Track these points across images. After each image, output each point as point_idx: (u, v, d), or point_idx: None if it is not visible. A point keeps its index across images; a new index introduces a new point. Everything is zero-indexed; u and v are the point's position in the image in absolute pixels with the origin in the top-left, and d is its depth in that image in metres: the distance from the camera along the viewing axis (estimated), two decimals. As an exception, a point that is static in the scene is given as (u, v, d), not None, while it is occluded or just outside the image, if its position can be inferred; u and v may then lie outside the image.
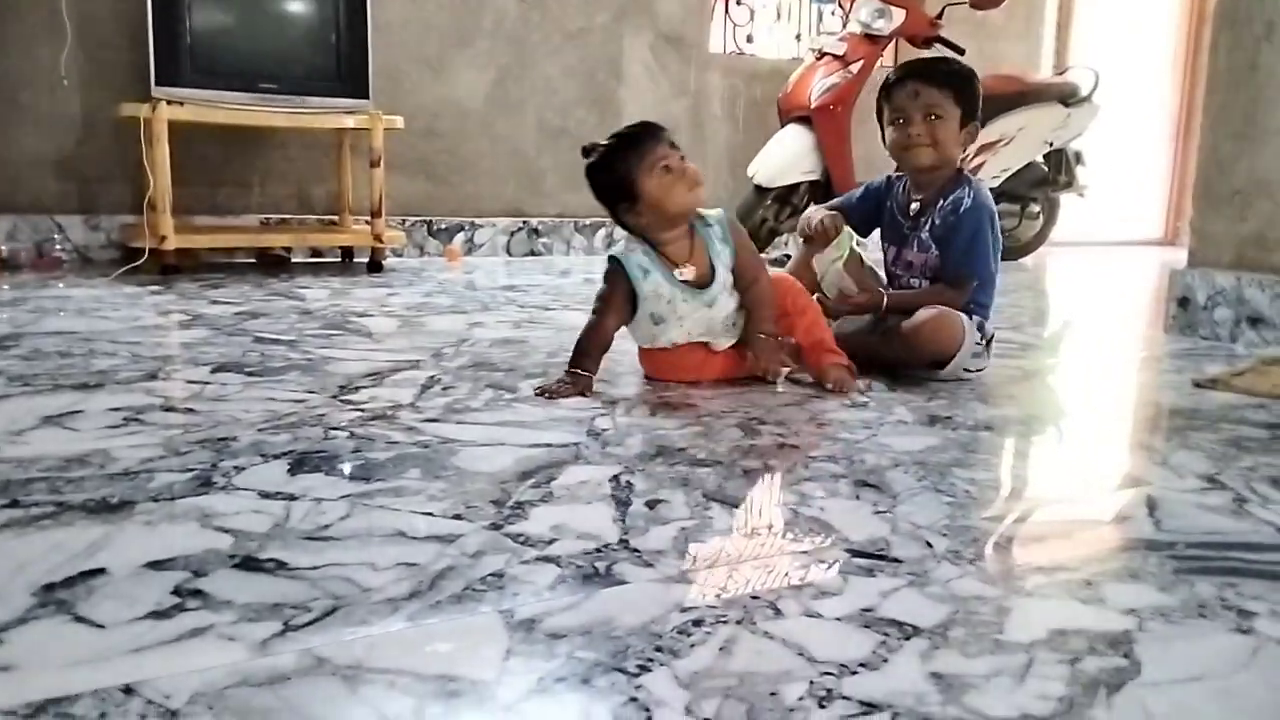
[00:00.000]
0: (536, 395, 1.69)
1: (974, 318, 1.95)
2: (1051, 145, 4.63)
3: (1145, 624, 0.88)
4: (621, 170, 1.74)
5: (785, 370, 1.86)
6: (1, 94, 3.43)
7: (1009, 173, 4.56)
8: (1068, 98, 4.58)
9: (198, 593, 0.88)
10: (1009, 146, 4.48)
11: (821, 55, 4.18)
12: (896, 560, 1.01)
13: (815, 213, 2.09)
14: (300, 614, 0.84)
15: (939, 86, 1.92)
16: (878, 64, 4.13)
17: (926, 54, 3.92)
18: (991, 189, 4.59)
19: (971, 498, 1.22)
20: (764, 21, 5.14)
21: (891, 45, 4.31)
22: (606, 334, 1.80)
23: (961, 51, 4.18)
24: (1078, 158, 4.79)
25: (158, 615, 0.83)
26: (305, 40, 3.53)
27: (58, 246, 3.52)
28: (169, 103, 3.18)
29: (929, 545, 1.05)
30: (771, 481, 1.28)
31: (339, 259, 3.96)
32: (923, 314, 1.89)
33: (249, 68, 3.38)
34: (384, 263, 3.72)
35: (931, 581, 0.95)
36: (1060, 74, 5.23)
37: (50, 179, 3.55)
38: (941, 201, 1.96)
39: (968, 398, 1.80)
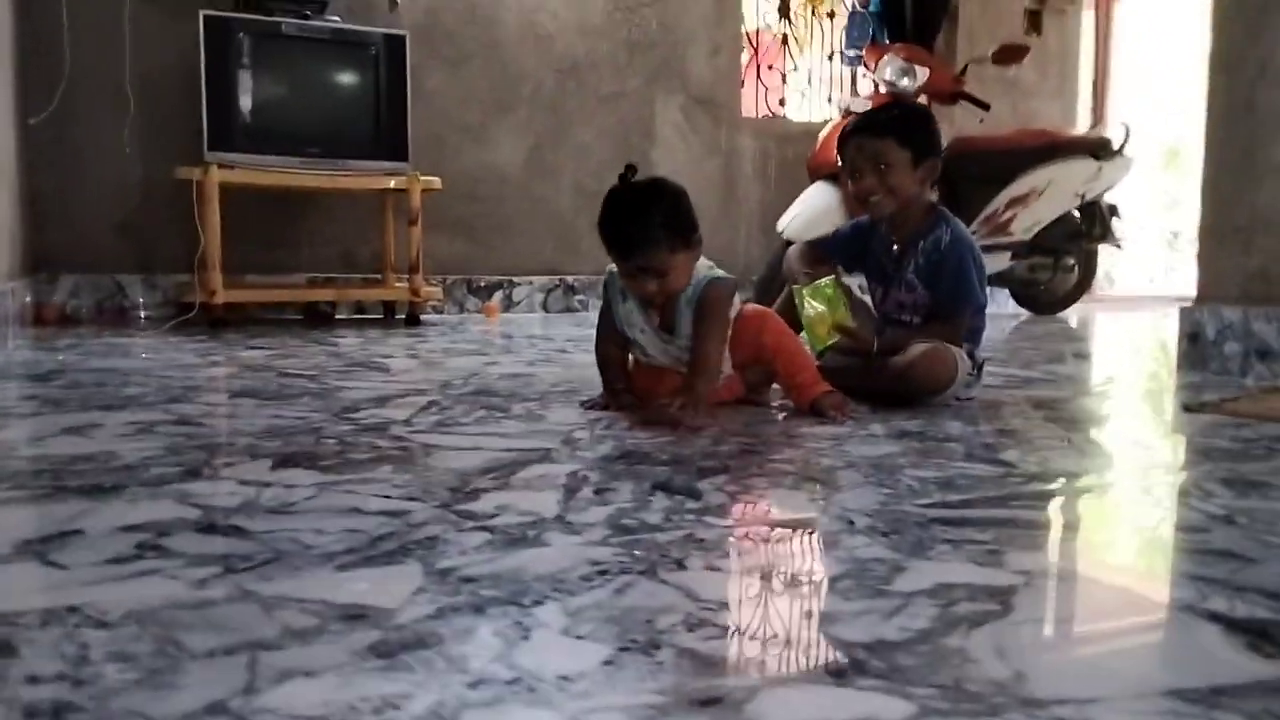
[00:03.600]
0: (585, 408, 1.85)
1: (964, 345, 2.00)
2: (1084, 198, 4.66)
3: (1032, 581, 0.92)
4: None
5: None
6: (69, 163, 3.69)
7: (1040, 225, 4.59)
8: (1098, 151, 4.62)
9: (157, 548, 0.97)
10: (1039, 200, 4.52)
11: (848, 114, 4.28)
12: (812, 531, 1.06)
13: (796, 261, 2.16)
14: (242, 562, 0.93)
15: (879, 136, 1.98)
16: (903, 121, 4.21)
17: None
18: (1024, 242, 4.61)
19: (912, 490, 1.27)
20: (796, 85, 5.28)
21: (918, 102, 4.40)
22: (616, 349, 1.92)
23: (987, 107, 4.27)
24: (1112, 210, 4.81)
25: (117, 561, 0.93)
26: (349, 109, 3.76)
27: (118, 303, 3.74)
28: (220, 166, 3.40)
29: (850, 523, 1.10)
30: (723, 477, 1.34)
31: (381, 315, 4.12)
32: (915, 351, 1.93)
33: (296, 134, 3.60)
34: (422, 317, 3.87)
35: (839, 548, 1.01)
36: (1092, 128, 5.28)
37: (111, 240, 3.79)
38: (921, 243, 2.02)
39: (946, 417, 1.84)
